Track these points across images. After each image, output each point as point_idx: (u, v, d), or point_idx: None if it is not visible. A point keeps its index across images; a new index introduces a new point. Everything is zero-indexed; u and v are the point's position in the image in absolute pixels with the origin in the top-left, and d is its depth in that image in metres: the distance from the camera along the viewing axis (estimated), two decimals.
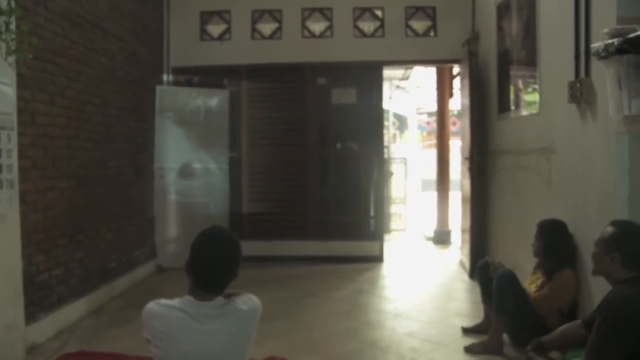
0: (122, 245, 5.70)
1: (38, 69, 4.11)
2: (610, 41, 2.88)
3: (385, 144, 9.14)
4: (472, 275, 5.90)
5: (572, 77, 3.69)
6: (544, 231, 3.78)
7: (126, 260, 5.80)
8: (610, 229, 2.70)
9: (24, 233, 3.79)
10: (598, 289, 3.18)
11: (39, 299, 4.11)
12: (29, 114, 3.99)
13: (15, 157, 3.57)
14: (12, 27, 3.31)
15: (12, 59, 3.36)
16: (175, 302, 2.03)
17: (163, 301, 2.05)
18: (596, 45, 3.04)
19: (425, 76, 13.93)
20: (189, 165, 6.89)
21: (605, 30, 2.97)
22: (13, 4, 3.27)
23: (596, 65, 3.31)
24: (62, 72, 4.49)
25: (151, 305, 2.04)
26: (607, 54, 2.90)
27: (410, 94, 18.04)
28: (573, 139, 3.78)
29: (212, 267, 2.03)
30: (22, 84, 3.80)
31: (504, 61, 5.52)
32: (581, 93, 3.53)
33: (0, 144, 3.38)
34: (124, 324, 4.53)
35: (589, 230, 3.39)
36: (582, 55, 3.57)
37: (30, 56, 3.60)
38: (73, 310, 4.59)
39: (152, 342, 2.00)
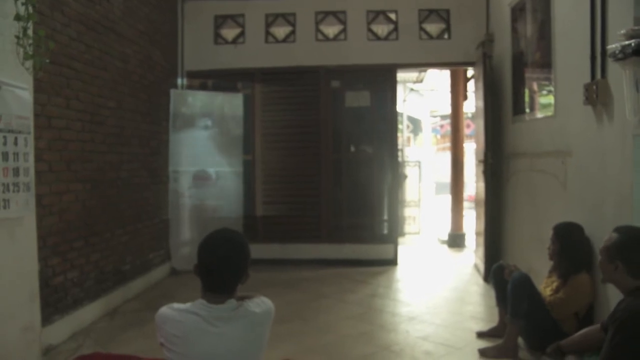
0: (137, 248, 5.74)
1: (54, 73, 4.15)
2: (627, 42, 2.85)
3: (399, 147, 9.11)
4: (486, 278, 5.86)
5: (587, 79, 3.65)
6: (560, 234, 3.74)
7: (141, 263, 5.83)
8: (614, 235, 2.65)
9: (39, 236, 3.83)
10: (615, 293, 3.13)
11: (54, 301, 4.15)
12: (45, 118, 4.03)
13: (32, 161, 3.61)
14: (30, 32, 3.35)
15: (29, 63, 3.40)
16: (188, 305, 2.04)
17: (176, 305, 2.06)
18: (612, 46, 3.01)
19: (439, 79, 13.91)
20: (204, 170, 6.93)
21: (622, 32, 2.94)
22: (30, 10, 3.31)
23: (612, 66, 3.27)
24: (77, 75, 4.54)
25: (164, 310, 2.05)
26: (624, 55, 2.87)
27: (424, 97, 18.03)
28: (589, 142, 3.74)
29: (212, 267, 2.04)
30: (39, 87, 3.84)
31: (519, 63, 5.48)
32: (597, 95, 3.49)
33: (18, 148, 3.43)
34: (138, 327, 4.56)
35: (605, 234, 3.34)
36: (598, 57, 3.53)
37: (47, 61, 3.64)
38: (88, 313, 4.62)
39: (166, 345, 2.01)
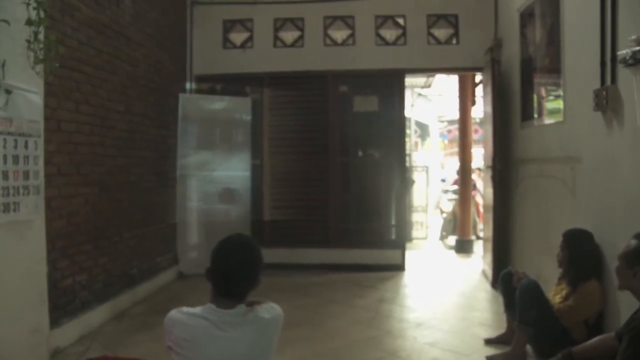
0: (145, 251, 5.75)
1: (64, 77, 4.18)
2: (637, 48, 2.84)
3: (407, 152, 9.10)
4: (494, 284, 5.82)
5: (597, 85, 3.63)
6: (570, 241, 3.71)
7: (148, 267, 5.84)
8: (633, 242, 2.62)
9: (48, 239, 3.84)
10: (625, 301, 3.11)
11: (63, 304, 4.16)
12: (55, 121, 4.06)
13: (42, 164, 3.63)
14: (41, 36, 3.37)
15: (39, 67, 3.42)
16: (197, 310, 2.04)
17: (185, 309, 2.05)
18: (623, 52, 3.00)
19: (447, 84, 13.88)
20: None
21: (633, 37, 2.93)
22: (42, 14, 3.33)
23: (623, 72, 3.26)
24: (87, 79, 4.57)
25: (173, 313, 2.05)
26: (635, 61, 2.87)
27: (432, 102, 17.99)
28: (598, 148, 3.72)
29: (228, 273, 2.04)
30: (49, 91, 3.87)
31: (528, 68, 5.47)
32: (607, 101, 3.47)
33: (28, 151, 3.45)
34: (146, 330, 4.56)
35: (615, 241, 3.33)
36: (608, 63, 3.51)
37: (57, 65, 3.66)
38: (96, 316, 4.64)
39: (174, 349, 2.00)
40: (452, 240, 9.08)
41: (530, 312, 3.61)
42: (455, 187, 10.41)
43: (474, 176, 10.93)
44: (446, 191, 10.73)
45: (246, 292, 2.08)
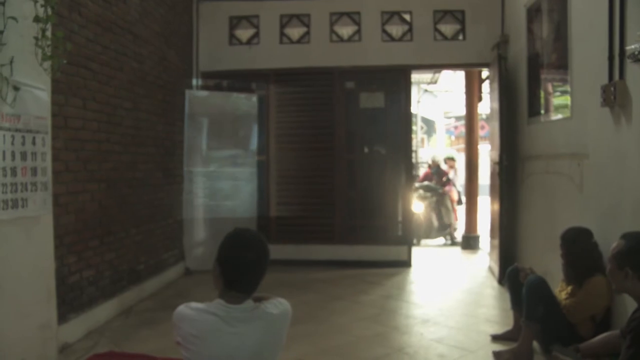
0: (151, 247, 5.77)
1: (71, 74, 4.19)
2: None
3: (413, 148, 9.08)
4: (501, 281, 5.83)
5: (605, 80, 3.61)
6: (566, 243, 3.67)
7: (155, 263, 5.86)
8: (621, 242, 2.61)
9: (56, 235, 3.86)
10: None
11: (70, 299, 4.19)
12: (62, 118, 4.07)
13: (49, 160, 3.65)
14: (48, 33, 3.39)
15: (47, 64, 3.44)
16: (206, 305, 2.05)
17: (194, 304, 2.06)
18: (631, 47, 2.98)
19: (453, 80, 13.87)
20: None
21: None
22: (49, 11, 3.35)
23: (631, 67, 3.23)
24: (94, 76, 4.58)
25: (182, 308, 2.06)
26: None
27: (439, 98, 17.99)
28: (606, 144, 3.70)
29: (238, 267, 2.04)
30: (56, 88, 3.88)
31: (534, 64, 5.44)
32: (615, 96, 3.45)
33: (35, 148, 3.46)
34: (152, 326, 4.58)
35: None
36: (616, 58, 3.48)
37: (65, 61, 3.67)
38: (103, 311, 4.66)
39: (182, 344, 2.01)
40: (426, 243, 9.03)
41: (537, 308, 3.60)
42: (426, 183, 10.06)
43: (445, 167, 10.61)
44: (416, 188, 9.71)
45: (255, 286, 2.09)
